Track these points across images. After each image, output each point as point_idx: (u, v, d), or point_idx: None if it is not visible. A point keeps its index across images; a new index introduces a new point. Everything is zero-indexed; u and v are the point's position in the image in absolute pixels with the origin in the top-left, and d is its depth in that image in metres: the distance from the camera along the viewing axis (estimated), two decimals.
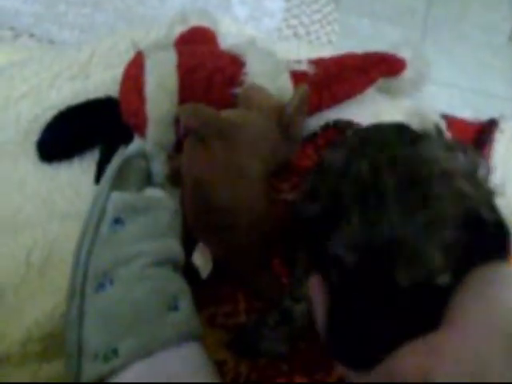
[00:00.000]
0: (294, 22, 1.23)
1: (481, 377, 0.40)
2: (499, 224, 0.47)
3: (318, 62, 0.96)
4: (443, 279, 0.45)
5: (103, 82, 0.99)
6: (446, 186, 0.46)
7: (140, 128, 0.89)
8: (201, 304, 0.72)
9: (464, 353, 0.42)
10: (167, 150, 0.87)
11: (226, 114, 0.82)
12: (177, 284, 0.68)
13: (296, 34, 1.22)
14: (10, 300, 0.77)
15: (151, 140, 0.87)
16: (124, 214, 0.69)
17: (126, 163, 0.74)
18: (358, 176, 0.48)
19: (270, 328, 0.70)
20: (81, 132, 0.95)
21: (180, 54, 0.92)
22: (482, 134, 0.96)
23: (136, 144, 0.77)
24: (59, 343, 0.73)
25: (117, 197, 0.70)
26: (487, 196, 0.48)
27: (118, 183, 0.72)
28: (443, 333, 0.44)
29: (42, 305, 0.76)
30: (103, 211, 0.69)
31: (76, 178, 0.90)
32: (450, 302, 0.45)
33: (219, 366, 0.68)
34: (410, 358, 0.44)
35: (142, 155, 0.76)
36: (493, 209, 0.48)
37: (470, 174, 0.48)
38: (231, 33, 1.05)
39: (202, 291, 0.73)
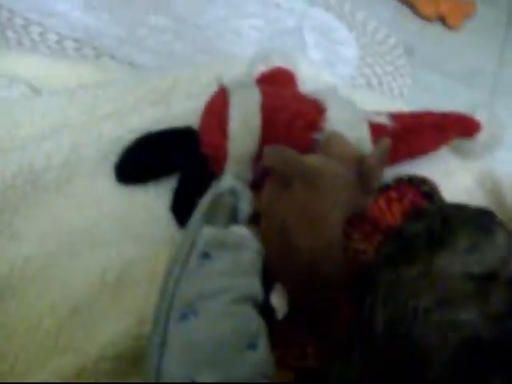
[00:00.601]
0: (368, 70, 1.26)
1: None
2: None
3: (396, 116, 0.98)
4: None
5: (184, 111, 1.02)
6: None
7: (219, 162, 0.91)
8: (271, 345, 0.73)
9: None
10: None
11: (308, 158, 0.84)
12: (256, 323, 0.69)
13: (369, 83, 1.25)
14: (84, 316, 0.79)
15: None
16: (212, 249, 0.71)
17: (217, 199, 0.77)
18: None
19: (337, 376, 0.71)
20: (159, 158, 0.97)
21: (264, 93, 0.94)
22: None
23: (228, 180, 0.80)
24: (130, 365, 0.76)
25: (208, 231, 0.72)
26: None
27: (208, 219, 0.75)
28: None
29: (116, 325, 0.78)
30: (194, 244, 0.71)
31: (151, 202, 0.93)
32: None
33: None
34: None
35: (233, 193, 0.79)
36: None
37: None
38: (309, 76, 1.07)
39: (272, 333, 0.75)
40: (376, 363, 0.54)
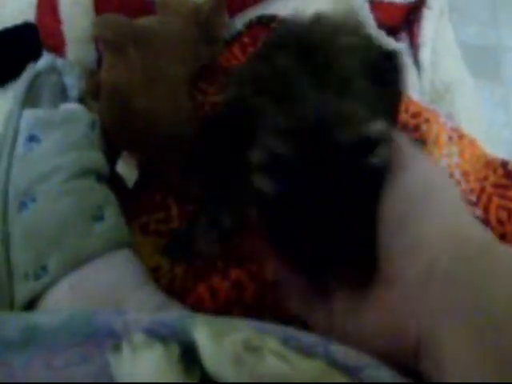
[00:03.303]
0: None
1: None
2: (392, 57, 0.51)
3: None
4: (375, 127, 0.46)
5: (20, 10, 0.95)
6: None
7: (59, 49, 0.86)
8: (132, 214, 0.71)
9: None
10: (90, 67, 0.85)
11: (142, 21, 0.80)
12: (100, 194, 0.66)
13: None
14: None
15: (73, 60, 0.85)
16: (38, 131, 0.66)
17: (38, 79, 0.72)
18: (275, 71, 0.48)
19: (202, 229, 0.69)
20: (1, 61, 0.92)
21: None
22: (410, 13, 0.93)
23: (45, 59, 0.74)
24: None
25: (29, 114, 0.67)
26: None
27: (31, 101, 0.70)
28: (386, 290, 0.45)
29: None
30: (17, 130, 0.67)
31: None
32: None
33: (154, 271, 0.67)
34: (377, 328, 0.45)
35: (54, 70, 0.73)
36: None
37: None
38: None
39: (133, 201, 0.72)
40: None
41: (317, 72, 0.46)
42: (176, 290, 0.66)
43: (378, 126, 0.46)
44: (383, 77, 0.49)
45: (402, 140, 0.51)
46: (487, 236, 0.46)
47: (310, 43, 0.49)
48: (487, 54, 1.64)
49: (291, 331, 0.45)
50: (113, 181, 0.70)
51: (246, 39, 0.87)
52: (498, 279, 0.40)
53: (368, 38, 0.52)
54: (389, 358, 0.43)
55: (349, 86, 0.46)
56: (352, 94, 0.46)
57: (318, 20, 0.54)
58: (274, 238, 0.49)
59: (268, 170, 0.47)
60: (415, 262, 0.43)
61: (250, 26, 0.88)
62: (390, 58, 0.52)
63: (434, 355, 0.41)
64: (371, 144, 0.46)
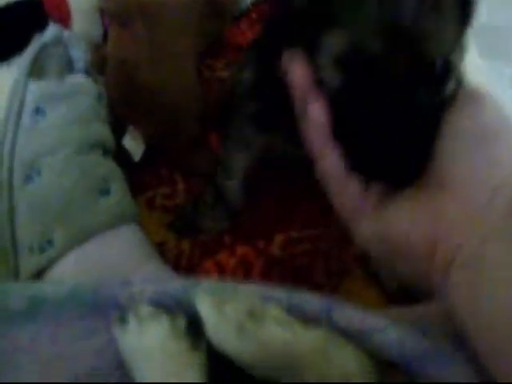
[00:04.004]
0: None
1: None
2: None
3: None
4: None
5: None
6: None
7: (65, 21, 0.84)
8: (139, 188, 0.70)
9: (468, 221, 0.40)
10: (96, 40, 0.84)
11: None
12: (106, 168, 0.66)
13: None
14: None
15: (78, 32, 0.83)
16: (44, 103, 0.66)
17: (43, 51, 0.71)
18: None
19: (208, 206, 0.69)
20: (6, 35, 0.90)
21: None
22: None
23: (51, 30, 0.73)
24: None
25: (35, 86, 0.67)
26: None
27: (37, 72, 0.69)
28: (443, 196, 0.41)
29: None
30: (22, 102, 0.66)
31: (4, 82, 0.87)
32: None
33: (160, 246, 0.67)
34: (416, 228, 0.42)
35: (59, 42, 0.72)
36: None
37: None
38: None
39: (140, 175, 0.71)
40: None
41: None
42: (183, 266, 0.66)
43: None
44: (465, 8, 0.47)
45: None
46: None
47: None
48: (497, 34, 1.61)
49: (296, 297, 0.44)
50: (119, 155, 0.69)
51: (254, 15, 0.86)
52: None
53: None
54: (406, 266, 0.43)
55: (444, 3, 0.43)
56: (445, 12, 0.43)
57: None
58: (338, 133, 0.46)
59: (347, 62, 0.43)
60: (484, 180, 0.41)
61: (257, 2, 0.87)
62: None
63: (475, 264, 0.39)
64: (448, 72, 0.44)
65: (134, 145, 0.69)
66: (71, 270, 0.60)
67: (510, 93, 1.32)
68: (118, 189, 0.65)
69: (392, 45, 0.41)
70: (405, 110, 0.42)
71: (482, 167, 0.41)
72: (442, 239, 0.40)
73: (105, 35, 0.84)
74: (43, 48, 0.70)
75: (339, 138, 0.45)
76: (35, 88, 0.67)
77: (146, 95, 0.71)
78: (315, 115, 0.45)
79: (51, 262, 0.60)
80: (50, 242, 0.60)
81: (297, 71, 0.46)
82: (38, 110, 0.65)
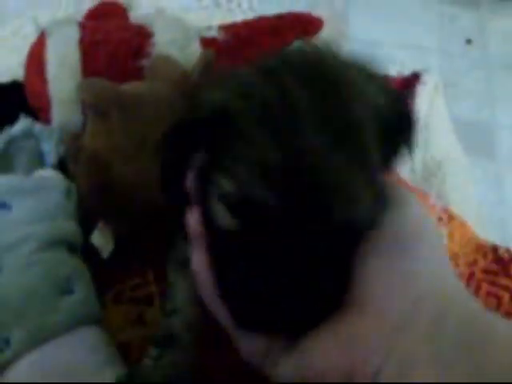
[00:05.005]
0: None
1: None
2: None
3: (229, 28, 0.92)
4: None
5: (8, 67, 0.94)
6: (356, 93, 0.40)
7: (45, 111, 0.84)
8: (107, 282, 0.68)
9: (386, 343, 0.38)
10: (75, 130, 0.83)
11: (129, 86, 0.78)
12: (70, 266, 0.63)
13: (217, 3, 1.17)
14: None
15: (57, 122, 0.83)
16: (10, 198, 0.64)
17: (12, 144, 0.70)
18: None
19: (157, 360, 0.58)
20: None
21: (83, 29, 0.87)
22: (404, 89, 0.92)
23: (22, 123, 0.72)
24: None
25: (2, 179, 0.66)
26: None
27: (4, 166, 0.68)
28: (361, 320, 0.39)
29: None
30: None
31: None
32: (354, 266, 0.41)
33: (124, 346, 0.64)
34: (329, 353, 0.39)
35: (30, 135, 0.71)
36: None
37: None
38: (142, 5, 1.00)
39: (107, 270, 0.69)
40: None
41: (324, 108, 0.38)
42: None
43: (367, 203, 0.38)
44: (394, 136, 0.43)
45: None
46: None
47: (322, 73, 0.40)
48: (481, 130, 1.64)
49: None
50: (87, 251, 0.67)
51: None
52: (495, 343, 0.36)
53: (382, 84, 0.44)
54: None
55: (354, 137, 0.38)
56: (353, 147, 0.38)
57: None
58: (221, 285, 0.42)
59: (233, 207, 0.40)
60: (400, 295, 0.39)
61: None
62: (405, 116, 0.45)
63: None
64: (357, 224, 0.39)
65: (103, 242, 0.68)
66: (24, 374, 0.57)
67: (494, 190, 1.33)
68: (82, 288, 0.63)
69: (287, 196, 0.37)
70: (300, 261, 0.38)
71: (397, 283, 0.39)
72: (357, 369, 0.38)
73: (84, 125, 0.83)
74: (11, 141, 0.69)
75: (224, 293, 0.42)
76: (2, 182, 0.65)
77: (118, 189, 0.69)
78: (196, 267, 0.45)
79: (8, 363, 0.57)
80: (7, 342, 0.58)
81: (191, 217, 0.46)
82: (4, 205, 0.64)
